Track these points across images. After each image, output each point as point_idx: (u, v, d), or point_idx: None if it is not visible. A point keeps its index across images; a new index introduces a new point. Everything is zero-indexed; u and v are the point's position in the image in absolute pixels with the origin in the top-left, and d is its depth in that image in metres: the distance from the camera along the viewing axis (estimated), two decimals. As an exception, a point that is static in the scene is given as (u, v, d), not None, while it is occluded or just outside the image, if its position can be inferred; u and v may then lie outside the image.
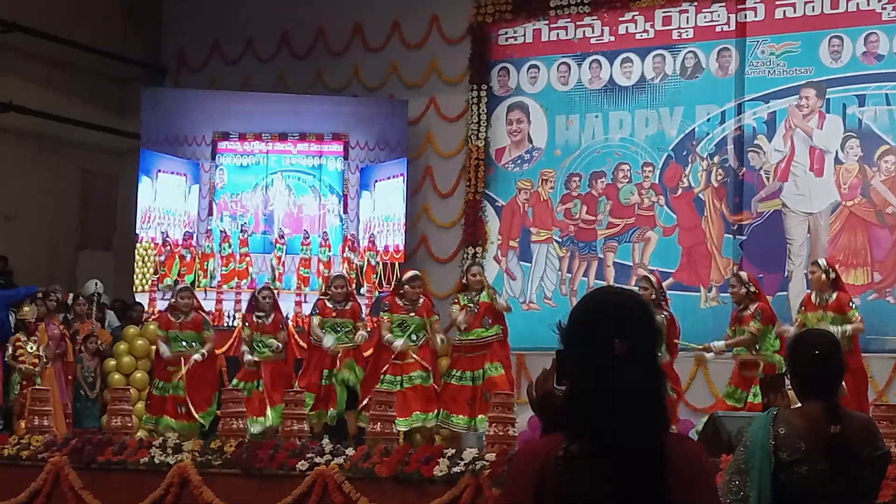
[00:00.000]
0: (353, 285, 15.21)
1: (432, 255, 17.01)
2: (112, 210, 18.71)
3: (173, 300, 13.67)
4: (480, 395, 12.69)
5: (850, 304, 11.83)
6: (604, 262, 16.09)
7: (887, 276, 14.58)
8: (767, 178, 15.29)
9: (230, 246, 16.68)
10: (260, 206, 17.06)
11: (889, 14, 14.79)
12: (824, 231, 14.93)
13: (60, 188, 18.14)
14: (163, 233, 16.69)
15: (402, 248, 16.57)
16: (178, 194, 17.03)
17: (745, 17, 15.52)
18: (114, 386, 14.04)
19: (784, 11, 15.28)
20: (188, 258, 16.65)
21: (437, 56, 17.36)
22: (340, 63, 17.96)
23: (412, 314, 13.00)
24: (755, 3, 15.43)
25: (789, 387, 8.27)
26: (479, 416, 12.49)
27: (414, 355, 12.85)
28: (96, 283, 15.45)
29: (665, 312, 12.12)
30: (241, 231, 16.80)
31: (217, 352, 14.00)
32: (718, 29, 15.70)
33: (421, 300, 13.12)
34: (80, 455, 11.41)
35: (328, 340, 13.05)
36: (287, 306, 15.28)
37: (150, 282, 16.56)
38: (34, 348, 13.65)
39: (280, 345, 13.21)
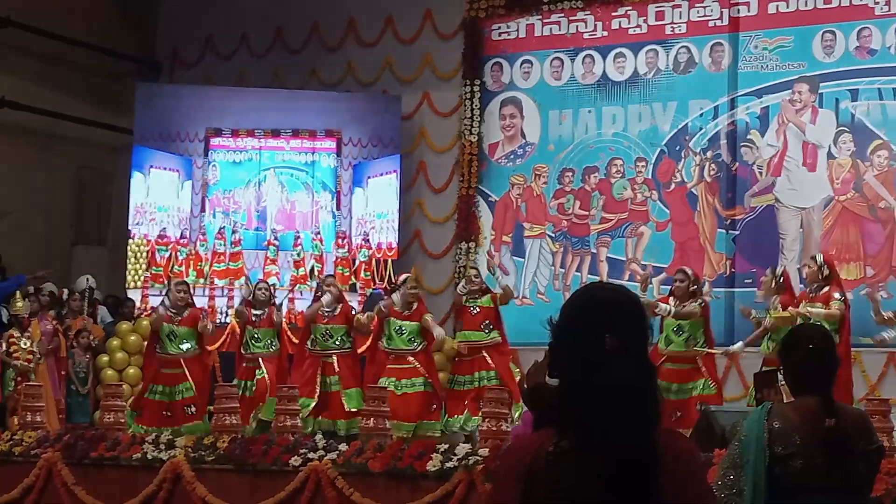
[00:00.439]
0: (349, 283, 15.26)
1: (426, 250, 17.03)
2: (106, 206, 18.67)
3: (168, 294, 13.40)
4: (476, 396, 12.67)
5: (836, 296, 11.76)
6: (597, 257, 16.10)
7: (880, 270, 14.60)
8: (760, 173, 15.31)
9: (224, 244, 16.64)
10: (253, 203, 17.05)
11: (882, 9, 14.81)
12: (817, 226, 14.94)
13: (54, 184, 18.11)
14: (162, 229, 16.66)
15: (395, 245, 16.56)
16: (170, 190, 17.01)
17: (738, 11, 15.53)
18: (106, 382, 14.02)
19: (777, 6, 15.29)
20: (183, 256, 16.61)
21: (430, 51, 17.37)
22: (334, 58, 17.96)
23: (408, 320, 12.87)
24: (748, -3, 15.48)
25: (782, 382, 8.31)
26: (465, 414, 12.61)
27: (411, 359, 12.81)
28: (88, 279, 15.43)
29: (701, 300, 12.14)
30: (233, 230, 16.74)
31: (209, 348, 13.90)
32: (711, 24, 15.71)
33: (415, 305, 12.98)
34: (72, 451, 11.39)
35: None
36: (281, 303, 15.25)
37: (142, 278, 16.53)
38: (28, 344, 13.62)
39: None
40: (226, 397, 11.58)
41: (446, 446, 10.04)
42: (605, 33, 16.29)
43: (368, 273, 16.50)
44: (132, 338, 15.08)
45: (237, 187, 17.08)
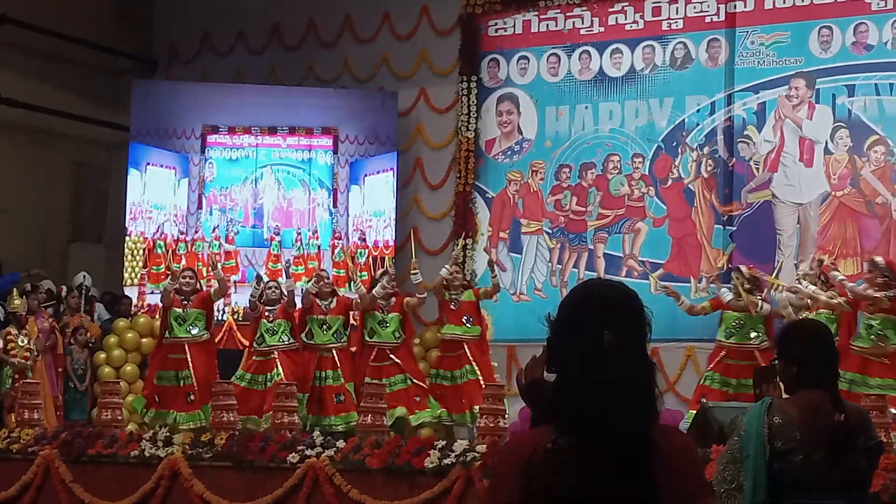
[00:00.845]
0: (347, 282, 15.26)
1: (423, 246, 16.99)
2: (104, 203, 18.65)
3: (175, 282, 13.30)
4: (458, 393, 12.92)
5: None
6: (594, 253, 16.09)
7: (877, 266, 14.59)
8: (757, 169, 15.30)
9: (219, 244, 16.61)
10: (249, 200, 17.02)
11: (878, 4, 14.81)
12: (814, 222, 14.94)
13: (52, 181, 18.09)
14: (159, 227, 16.63)
15: (391, 242, 16.55)
16: (167, 187, 16.99)
17: (735, 7, 15.52)
18: (104, 379, 14.01)
19: (774, 2, 15.28)
20: (181, 252, 16.59)
21: (426, 47, 17.35)
22: (331, 55, 17.93)
23: (389, 312, 13.08)
24: (745, -7, 15.47)
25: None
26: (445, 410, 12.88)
27: (393, 355, 12.97)
28: (84, 276, 15.43)
29: (761, 296, 12.47)
30: (229, 228, 16.73)
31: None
32: (708, 20, 15.70)
33: (393, 300, 13.18)
34: (70, 448, 11.40)
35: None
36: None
37: (139, 275, 16.51)
38: (25, 342, 13.62)
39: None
40: (223, 394, 11.58)
41: (444, 443, 10.05)
42: (602, 29, 16.28)
43: (365, 274, 16.46)
44: (129, 335, 15.08)
45: (234, 184, 17.05)
